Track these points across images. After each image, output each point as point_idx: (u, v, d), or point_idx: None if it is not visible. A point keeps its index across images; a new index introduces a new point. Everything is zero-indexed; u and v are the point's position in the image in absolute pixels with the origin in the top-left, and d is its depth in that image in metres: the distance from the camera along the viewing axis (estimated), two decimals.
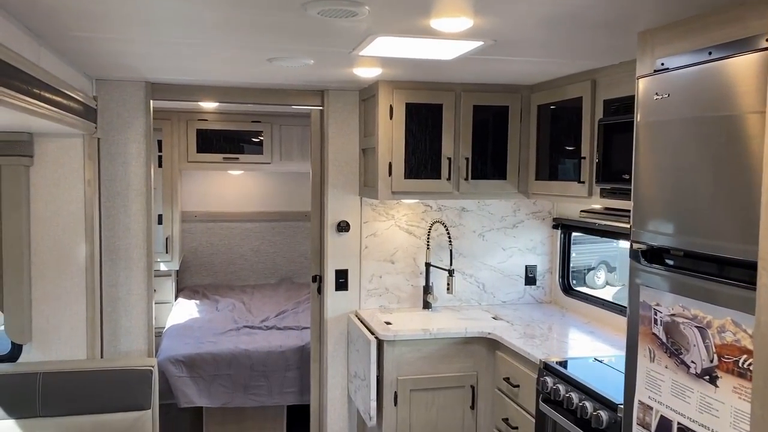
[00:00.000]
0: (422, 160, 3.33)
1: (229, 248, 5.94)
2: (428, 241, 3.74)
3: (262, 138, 5.13)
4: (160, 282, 5.09)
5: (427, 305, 3.75)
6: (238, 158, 5.09)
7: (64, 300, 3.07)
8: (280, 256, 6.06)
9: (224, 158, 5.06)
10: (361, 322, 3.54)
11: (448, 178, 3.36)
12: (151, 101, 3.44)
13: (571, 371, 2.63)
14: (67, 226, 3.06)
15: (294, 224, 6.06)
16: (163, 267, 4.99)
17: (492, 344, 3.27)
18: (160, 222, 4.99)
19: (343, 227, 3.67)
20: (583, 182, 2.93)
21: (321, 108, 3.69)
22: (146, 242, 3.42)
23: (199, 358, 3.99)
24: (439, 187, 3.37)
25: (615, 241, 4.64)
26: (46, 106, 2.30)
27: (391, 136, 3.28)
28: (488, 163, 3.42)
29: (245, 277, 5.99)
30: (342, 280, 3.71)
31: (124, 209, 3.39)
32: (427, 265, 3.75)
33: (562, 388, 2.59)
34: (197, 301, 5.22)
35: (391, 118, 3.27)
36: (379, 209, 3.73)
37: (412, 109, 3.29)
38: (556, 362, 2.74)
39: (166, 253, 4.96)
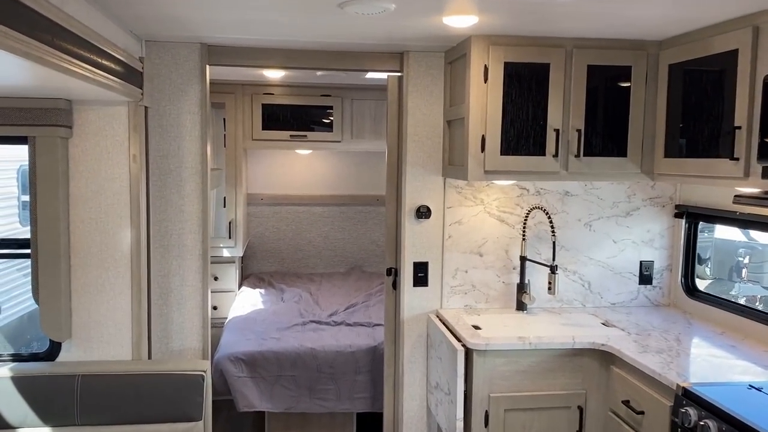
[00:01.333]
0: (523, 133, 2.75)
1: (296, 234, 5.53)
2: (524, 231, 3.16)
3: (331, 114, 4.65)
4: (223, 269, 4.73)
5: (521, 306, 3.18)
6: (306, 136, 4.63)
7: (107, 292, 2.69)
8: (350, 243, 5.60)
9: (291, 136, 4.62)
10: (444, 324, 3.01)
11: (555, 155, 2.76)
12: (207, 66, 3.00)
13: (727, 404, 2.02)
14: (111, 207, 2.67)
15: (365, 209, 5.58)
16: (226, 253, 4.61)
17: (606, 358, 2.68)
18: (224, 205, 4.62)
19: (423, 213, 3.14)
20: (737, 159, 2.28)
21: (399, 74, 3.16)
22: (201, 227, 3.01)
23: (260, 356, 3.57)
24: (542, 166, 2.78)
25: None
26: (77, 62, 1.89)
27: (485, 103, 2.71)
28: (604, 136, 2.80)
29: (313, 265, 5.57)
30: (421, 275, 3.19)
31: (177, 189, 2.99)
32: (523, 259, 3.17)
33: (713, 426, 1.99)
34: (262, 290, 4.83)
35: (485, 81, 2.70)
36: (465, 192, 3.18)
37: (511, 70, 2.71)
38: (700, 389, 2.13)
39: (230, 238, 4.58)
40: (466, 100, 2.75)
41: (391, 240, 3.25)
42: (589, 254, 3.29)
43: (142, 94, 2.65)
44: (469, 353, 2.68)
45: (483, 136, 2.72)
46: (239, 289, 4.86)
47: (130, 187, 2.68)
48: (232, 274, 4.74)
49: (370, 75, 3.94)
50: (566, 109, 2.76)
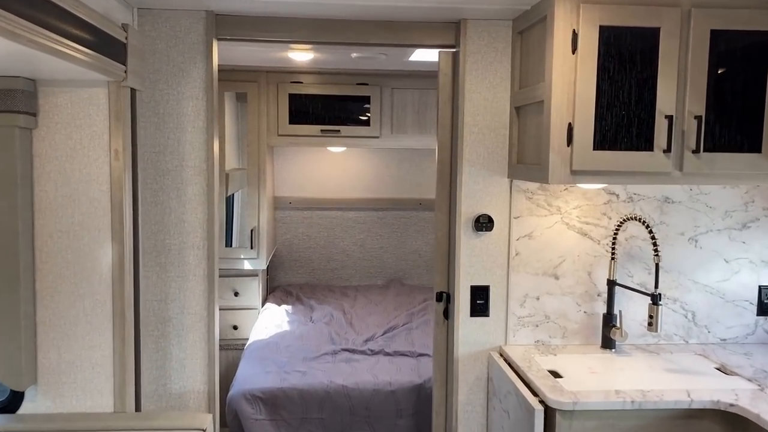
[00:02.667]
0: (624, 121, 2.07)
1: (328, 241, 4.92)
2: (613, 248, 2.47)
3: (369, 106, 4.02)
4: (244, 284, 4.14)
5: (608, 343, 2.50)
6: (339, 131, 4.01)
7: (82, 326, 2.11)
8: (388, 252, 4.97)
9: (322, 131, 4.01)
10: (511, 367, 2.35)
11: (666, 150, 2.07)
12: (215, 41, 2.41)
13: None
14: (87, 217, 2.08)
15: (407, 214, 4.94)
16: (247, 266, 4.03)
17: (734, 423, 1.98)
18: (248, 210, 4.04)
19: (483, 224, 2.49)
20: None
21: (454, 49, 2.51)
22: (207, 240, 2.43)
23: (282, 394, 2.96)
24: (649, 165, 2.09)
25: None
26: (19, 20, 1.32)
27: (572, 80, 2.04)
28: (732, 125, 2.10)
29: (347, 277, 4.95)
30: (481, 302, 2.53)
31: (177, 194, 2.40)
32: (611, 283, 2.49)
33: None
34: (289, 307, 4.23)
35: (573, 51, 2.03)
36: (538, 198, 2.51)
37: (609, 37, 2.04)
38: None
39: (251, 248, 3.99)
40: (546, 78, 2.08)
41: (441, 258, 2.60)
42: (694, 277, 2.59)
43: (125, 72, 2.05)
44: (549, 413, 2.02)
45: (570, 124, 2.05)
46: (263, 305, 4.26)
47: (111, 192, 2.08)
48: (254, 289, 4.15)
49: (416, 57, 3.31)
50: (681, 90, 2.07)
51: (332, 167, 4.84)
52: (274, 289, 4.73)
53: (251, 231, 3.97)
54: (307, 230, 4.90)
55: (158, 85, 2.37)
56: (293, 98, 3.98)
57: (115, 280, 2.11)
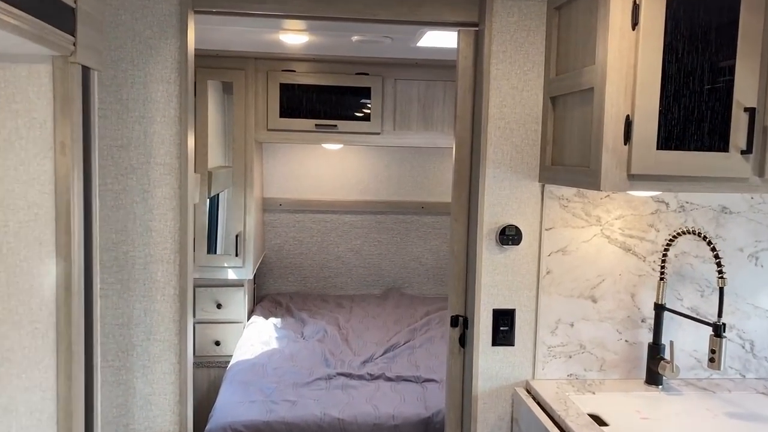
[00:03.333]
0: (694, 114, 1.68)
1: (322, 247, 4.51)
2: (663, 266, 2.08)
3: (369, 98, 3.62)
4: (228, 295, 3.73)
5: (654, 378, 2.11)
6: (336, 126, 3.60)
7: (17, 362, 1.69)
8: (387, 259, 4.57)
9: (317, 126, 3.60)
10: (542, 408, 1.96)
11: (745, 150, 1.68)
12: (191, 13, 2.00)
13: None
14: (23, 227, 1.66)
15: (408, 218, 4.54)
16: (232, 275, 3.61)
17: None
18: (232, 213, 3.63)
19: (509, 237, 2.09)
20: None
21: (476, 28, 2.11)
22: (179, 252, 2.02)
23: (268, 429, 2.55)
24: (724, 168, 1.70)
25: None
26: None
27: (632, 64, 1.64)
28: None
29: (342, 285, 4.54)
30: (504, 328, 2.14)
31: (143, 197, 1.99)
32: (659, 308, 2.10)
33: None
34: (277, 321, 3.82)
35: (634, 27, 1.63)
36: (574, 206, 2.12)
37: (678, 10, 1.64)
38: None
39: (237, 256, 3.58)
40: (598, 60, 1.68)
41: (457, 275, 2.20)
42: (754, 301, 2.21)
43: (74, 44, 1.64)
44: None
45: (628, 117, 1.65)
46: (249, 319, 3.85)
47: (55, 195, 1.67)
48: (239, 300, 3.74)
49: (425, 42, 2.90)
50: (765, 76, 1.68)
51: (327, 166, 4.43)
52: (262, 299, 4.31)
53: (236, 237, 3.55)
54: (298, 235, 4.49)
55: (121, 65, 1.96)
56: (285, 89, 3.57)
57: (59, 305, 1.70)
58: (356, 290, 4.56)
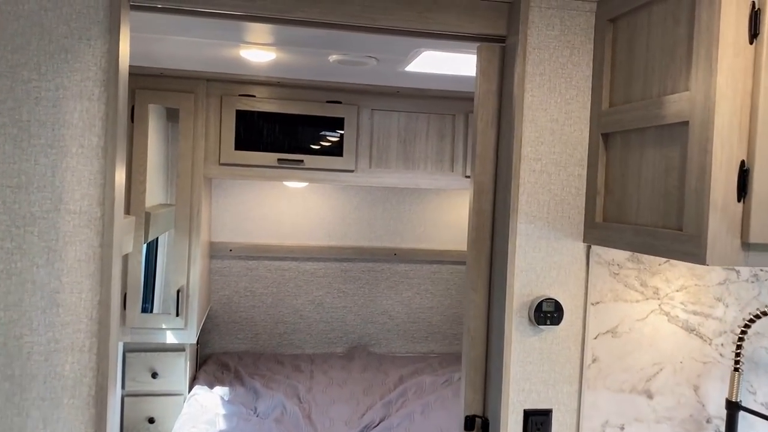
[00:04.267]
0: None
1: (278, 299, 3.92)
2: (738, 353, 1.62)
3: (342, 130, 3.11)
4: (165, 361, 3.10)
5: None
6: (302, 161, 3.07)
7: None
8: (352, 312, 4.01)
9: (280, 161, 3.06)
10: None
11: None
12: (126, 9, 1.46)
13: None
14: None
15: (376, 266, 4.01)
16: (171, 339, 2.98)
17: None
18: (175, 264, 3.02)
19: (547, 314, 1.59)
20: None
21: (502, 43, 1.64)
22: (97, 336, 1.44)
23: None
24: None
25: None
26: None
27: (749, 91, 1.19)
28: None
29: (300, 343, 3.95)
30: None
31: (48, 259, 1.41)
32: (734, 406, 1.63)
33: None
34: (224, 391, 3.19)
35: (752, 40, 1.18)
36: (626, 274, 1.64)
37: None
38: None
39: (177, 315, 2.96)
40: (695, 85, 1.23)
41: (476, 363, 1.68)
42: None
43: None
44: None
45: (743, 163, 1.19)
46: (190, 390, 3.21)
47: None
48: (179, 368, 3.11)
49: (415, 67, 2.44)
50: None
51: (287, 206, 3.87)
52: (206, 360, 3.68)
53: (178, 292, 2.94)
54: (250, 285, 3.89)
55: (21, 73, 1.39)
56: (242, 117, 3.03)
57: None
58: (316, 348, 3.97)
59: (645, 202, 1.40)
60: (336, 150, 3.11)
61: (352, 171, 3.14)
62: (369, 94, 3.12)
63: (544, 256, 1.61)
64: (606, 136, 1.56)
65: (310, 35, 2.08)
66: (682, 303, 1.68)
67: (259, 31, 2.11)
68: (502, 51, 1.66)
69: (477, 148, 1.68)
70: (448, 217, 3.93)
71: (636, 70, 1.45)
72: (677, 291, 1.67)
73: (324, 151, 3.10)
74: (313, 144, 3.09)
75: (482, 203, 1.68)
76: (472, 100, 3.08)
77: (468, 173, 3.19)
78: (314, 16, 1.56)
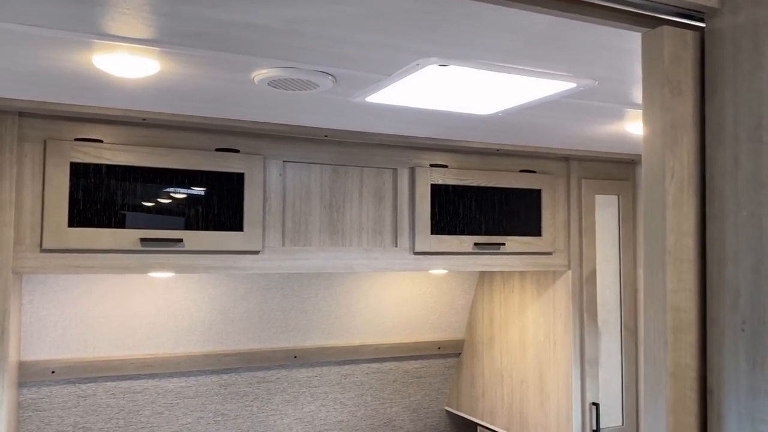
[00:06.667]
0: None
1: None
2: None
3: (240, 193, 2.08)
4: None
5: None
6: (180, 241, 1.99)
7: None
8: None
9: (144, 241, 1.95)
10: None
11: None
12: None
13: None
14: None
15: (269, 375, 2.94)
16: None
17: None
18: None
19: None
20: None
21: (701, 23, 0.82)
22: None
23: None
24: None
25: None
26: None
27: None
28: None
29: None
30: None
31: None
32: None
33: None
34: None
35: None
36: None
37: None
38: None
39: None
40: None
41: None
42: None
43: None
44: None
45: None
46: None
47: None
48: None
49: (390, 94, 1.56)
50: None
51: (142, 302, 2.67)
52: None
53: None
54: (83, 419, 2.62)
55: None
56: (81, 173, 1.90)
57: None
58: None
59: None
60: (232, 221, 2.08)
61: (256, 252, 2.11)
62: (279, 139, 2.15)
63: None
64: None
65: (235, 27, 1.12)
66: None
67: (136, 21, 1.10)
68: (699, 39, 0.84)
69: (655, 239, 0.82)
70: (367, 300, 3.00)
71: None
72: None
73: (214, 224, 2.05)
74: (197, 214, 2.03)
75: (679, 359, 0.81)
76: (420, 148, 2.26)
77: (418, 248, 2.32)
78: None
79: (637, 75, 1.37)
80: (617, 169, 2.76)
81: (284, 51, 1.28)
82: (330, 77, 1.44)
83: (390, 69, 1.38)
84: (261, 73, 1.42)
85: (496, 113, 1.78)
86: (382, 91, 1.54)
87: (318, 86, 1.48)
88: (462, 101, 1.67)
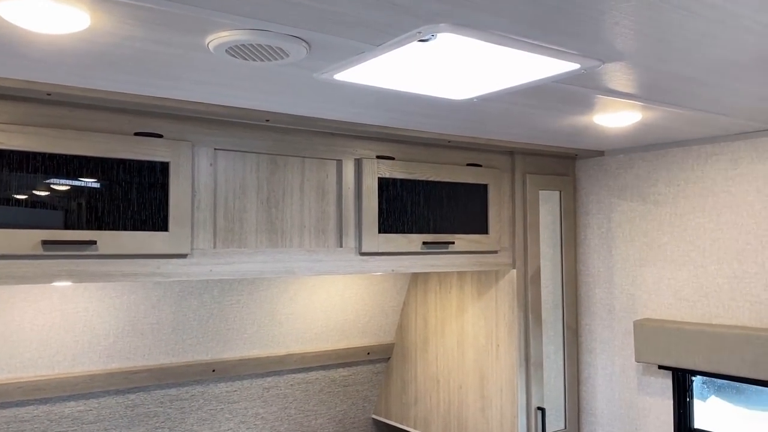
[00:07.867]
0: None
1: None
2: None
3: (165, 185, 1.76)
4: None
5: None
6: (94, 243, 1.64)
7: None
8: None
9: (46, 243, 1.59)
10: None
11: None
12: None
13: None
14: None
15: (184, 392, 2.61)
16: None
17: None
18: None
19: None
20: None
21: None
22: None
23: None
24: None
25: None
26: None
27: None
28: None
29: None
30: None
31: None
32: None
33: None
34: None
35: None
36: None
37: None
38: None
39: None
40: None
41: None
42: None
43: None
44: None
45: None
46: None
47: None
48: None
49: (365, 70, 1.34)
50: None
51: (31, 315, 2.24)
52: None
53: None
54: None
55: None
56: None
57: None
58: None
59: None
60: (155, 220, 1.76)
61: (184, 256, 1.81)
62: (210, 122, 1.86)
63: None
64: None
65: None
66: None
67: None
68: None
69: None
70: (294, 305, 2.73)
71: None
72: None
73: (134, 223, 1.72)
74: (113, 212, 1.70)
75: None
76: (365, 137, 2.05)
77: (365, 248, 2.11)
78: None
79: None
80: (559, 164, 2.69)
81: (255, 6, 1.03)
82: (304, 44, 1.19)
83: (382, 37, 1.16)
84: (220, 37, 1.15)
85: (471, 99, 1.60)
86: (357, 66, 1.31)
87: (288, 55, 1.23)
88: (438, 85, 1.48)
